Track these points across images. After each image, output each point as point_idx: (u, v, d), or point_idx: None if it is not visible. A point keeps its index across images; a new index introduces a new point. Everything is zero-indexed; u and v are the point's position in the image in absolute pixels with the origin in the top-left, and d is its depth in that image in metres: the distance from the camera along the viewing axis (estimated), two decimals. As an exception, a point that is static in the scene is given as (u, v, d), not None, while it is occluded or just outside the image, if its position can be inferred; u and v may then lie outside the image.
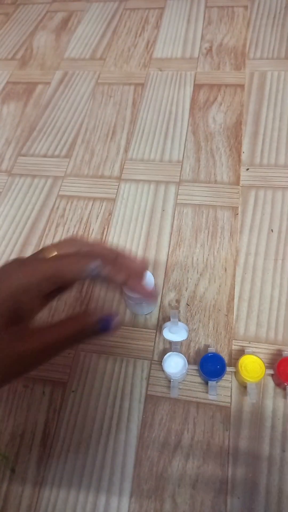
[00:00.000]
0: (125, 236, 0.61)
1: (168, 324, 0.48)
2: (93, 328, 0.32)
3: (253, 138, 0.69)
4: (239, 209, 0.61)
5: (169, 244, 0.59)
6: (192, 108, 0.75)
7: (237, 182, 0.64)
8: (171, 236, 0.60)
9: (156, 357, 0.51)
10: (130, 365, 0.50)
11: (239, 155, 0.67)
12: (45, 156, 0.74)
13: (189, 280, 0.56)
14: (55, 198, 0.68)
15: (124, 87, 0.81)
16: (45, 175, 0.71)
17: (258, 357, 0.46)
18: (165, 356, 0.47)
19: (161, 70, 0.82)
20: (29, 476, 0.45)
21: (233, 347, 0.50)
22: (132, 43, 0.89)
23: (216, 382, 0.47)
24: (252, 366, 0.45)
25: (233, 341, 0.50)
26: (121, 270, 0.35)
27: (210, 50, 0.84)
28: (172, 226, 0.61)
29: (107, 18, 0.96)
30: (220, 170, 0.66)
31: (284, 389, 0.46)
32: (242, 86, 0.76)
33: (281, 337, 0.50)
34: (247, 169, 0.65)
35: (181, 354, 0.47)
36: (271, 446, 0.44)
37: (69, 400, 0.49)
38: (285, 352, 0.47)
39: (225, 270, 0.56)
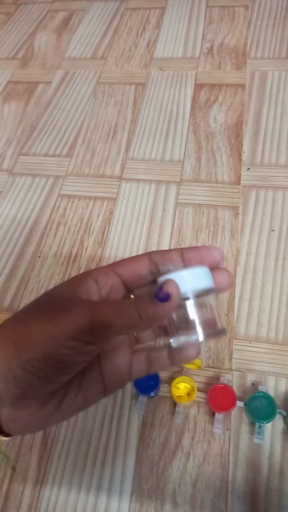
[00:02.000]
0: (126, 235, 0.61)
1: None
2: (144, 304, 0.25)
3: (254, 138, 0.69)
4: (240, 209, 0.61)
5: (170, 243, 0.59)
6: (193, 107, 0.75)
7: (238, 182, 0.64)
8: (171, 235, 0.60)
9: (156, 357, 0.51)
10: (130, 364, 0.50)
11: (240, 155, 0.67)
12: (46, 155, 0.74)
13: (189, 279, 0.56)
14: (56, 197, 0.68)
15: (125, 87, 0.81)
16: (46, 174, 0.71)
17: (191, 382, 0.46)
18: None
19: (162, 70, 0.82)
20: (30, 475, 0.45)
21: (234, 346, 0.50)
22: (133, 42, 0.89)
23: (149, 397, 0.47)
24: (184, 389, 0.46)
25: (234, 340, 0.51)
26: (176, 248, 0.29)
27: (211, 49, 0.84)
28: (173, 226, 0.61)
29: (108, 17, 0.96)
30: (221, 170, 0.66)
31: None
32: (243, 86, 0.76)
33: (281, 337, 0.50)
34: (248, 169, 0.65)
35: None
36: (272, 445, 0.44)
37: (70, 399, 0.49)
38: (222, 379, 0.46)
39: (226, 269, 0.56)
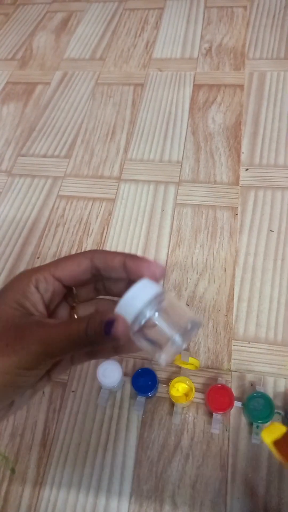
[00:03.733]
0: (125, 236, 0.61)
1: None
2: (95, 332, 0.26)
3: (253, 139, 0.69)
4: (239, 209, 0.61)
5: (169, 244, 0.59)
6: (191, 108, 0.75)
7: (236, 182, 0.64)
8: (170, 236, 0.60)
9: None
10: (129, 364, 0.50)
11: (239, 156, 0.67)
12: (44, 156, 0.74)
13: (188, 280, 0.56)
14: (55, 198, 0.68)
15: (124, 88, 0.81)
16: (44, 175, 0.71)
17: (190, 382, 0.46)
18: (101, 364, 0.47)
19: (160, 71, 0.82)
20: (29, 476, 0.45)
21: (233, 347, 0.50)
22: (131, 43, 0.89)
23: (147, 398, 0.47)
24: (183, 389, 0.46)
25: (233, 341, 0.51)
26: (121, 253, 0.29)
27: (209, 50, 0.84)
28: (171, 226, 0.61)
29: (107, 18, 0.96)
30: (219, 170, 0.66)
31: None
32: (241, 87, 0.76)
33: (280, 337, 0.50)
34: (247, 169, 0.65)
35: (117, 363, 0.47)
36: (271, 446, 0.44)
37: (69, 400, 0.49)
38: (219, 379, 0.47)
39: (225, 270, 0.56)
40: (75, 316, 0.32)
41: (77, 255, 0.29)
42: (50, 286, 0.28)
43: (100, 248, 0.60)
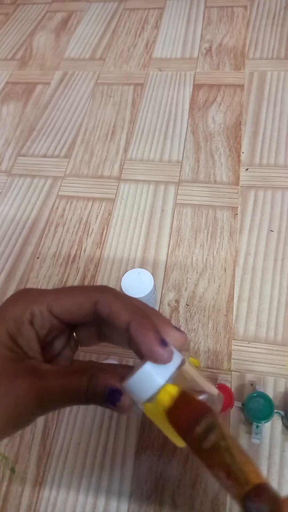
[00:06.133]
0: (125, 236, 0.61)
1: None
2: (95, 394, 0.24)
3: (253, 138, 0.69)
4: (239, 209, 0.61)
5: (169, 244, 0.59)
6: (191, 108, 0.75)
7: (236, 182, 0.64)
8: (170, 236, 0.60)
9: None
10: (130, 363, 0.50)
11: (239, 155, 0.67)
12: (44, 156, 0.74)
13: (188, 280, 0.56)
14: (54, 198, 0.68)
15: (124, 87, 0.81)
16: (44, 175, 0.71)
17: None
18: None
19: (160, 70, 0.82)
20: (29, 476, 0.45)
21: (233, 347, 0.50)
22: (131, 43, 0.89)
23: None
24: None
25: (233, 341, 0.51)
26: (131, 309, 0.25)
27: (209, 50, 0.84)
28: (171, 226, 0.61)
29: (107, 18, 0.96)
30: (219, 170, 0.66)
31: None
32: (241, 86, 0.76)
33: (280, 337, 0.50)
34: (247, 169, 0.65)
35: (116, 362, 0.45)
36: (271, 446, 0.44)
37: (69, 400, 0.49)
38: (219, 379, 0.46)
39: (225, 270, 0.56)
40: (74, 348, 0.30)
41: (81, 292, 0.26)
42: (47, 323, 0.26)
43: (100, 248, 0.60)
